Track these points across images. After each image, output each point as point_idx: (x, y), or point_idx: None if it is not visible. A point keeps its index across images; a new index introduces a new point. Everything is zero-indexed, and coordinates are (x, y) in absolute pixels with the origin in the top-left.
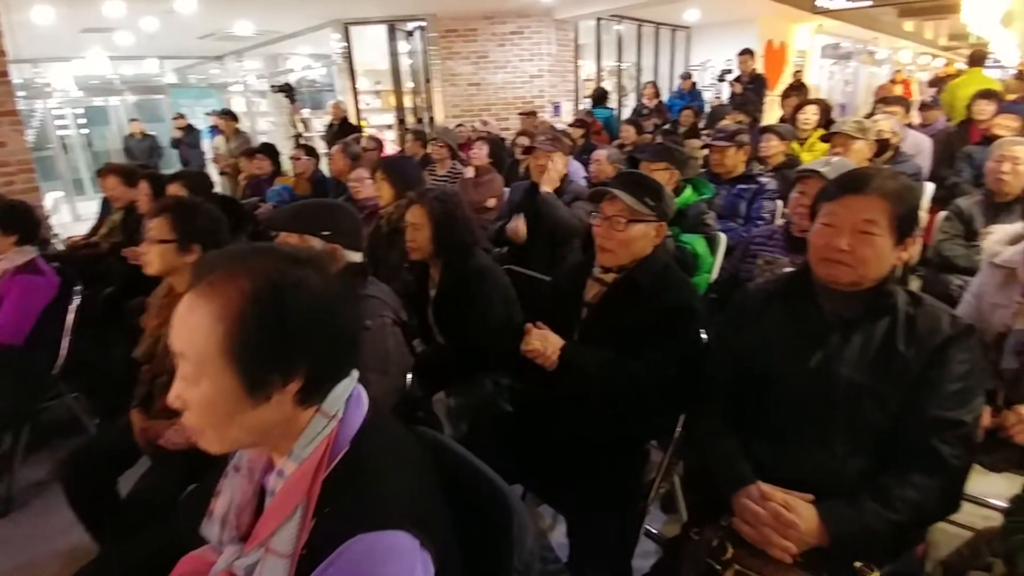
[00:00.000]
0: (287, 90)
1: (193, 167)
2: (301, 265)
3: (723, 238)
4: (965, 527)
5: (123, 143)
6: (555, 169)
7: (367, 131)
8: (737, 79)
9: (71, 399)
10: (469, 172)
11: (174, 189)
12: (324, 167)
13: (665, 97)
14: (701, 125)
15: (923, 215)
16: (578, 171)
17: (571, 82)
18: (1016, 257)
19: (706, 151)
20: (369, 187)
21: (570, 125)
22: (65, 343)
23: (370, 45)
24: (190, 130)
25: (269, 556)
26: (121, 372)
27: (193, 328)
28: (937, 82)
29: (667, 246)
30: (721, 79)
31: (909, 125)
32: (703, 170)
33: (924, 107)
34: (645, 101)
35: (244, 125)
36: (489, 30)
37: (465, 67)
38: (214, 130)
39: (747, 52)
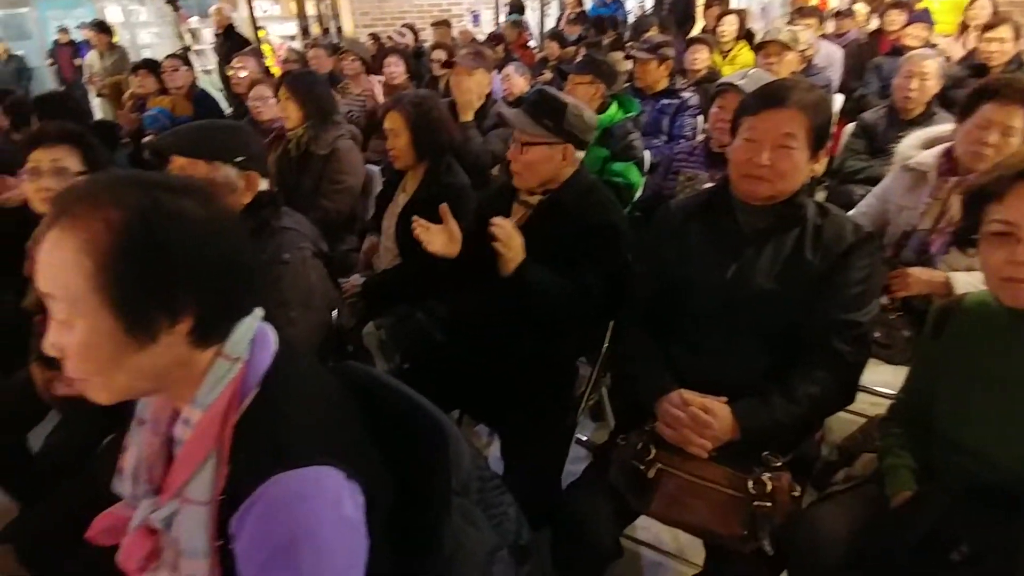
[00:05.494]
0: None
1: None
2: (178, 194)
3: (648, 156)
4: (858, 414)
5: None
6: (476, 89)
7: (268, 42)
8: None
9: None
10: (377, 90)
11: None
12: (207, 84)
13: (588, 5)
14: (625, 36)
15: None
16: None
17: None
18: (929, 159)
19: (630, 65)
20: (273, 107)
21: (485, 40)
22: None
23: None
24: (73, 46)
25: (186, 506)
26: (12, 324)
27: (58, 266)
28: None
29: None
30: None
31: (823, 35)
32: (627, 85)
33: (839, 15)
34: (569, 11)
35: (122, 38)
36: None
37: None
38: (84, 46)
39: None
